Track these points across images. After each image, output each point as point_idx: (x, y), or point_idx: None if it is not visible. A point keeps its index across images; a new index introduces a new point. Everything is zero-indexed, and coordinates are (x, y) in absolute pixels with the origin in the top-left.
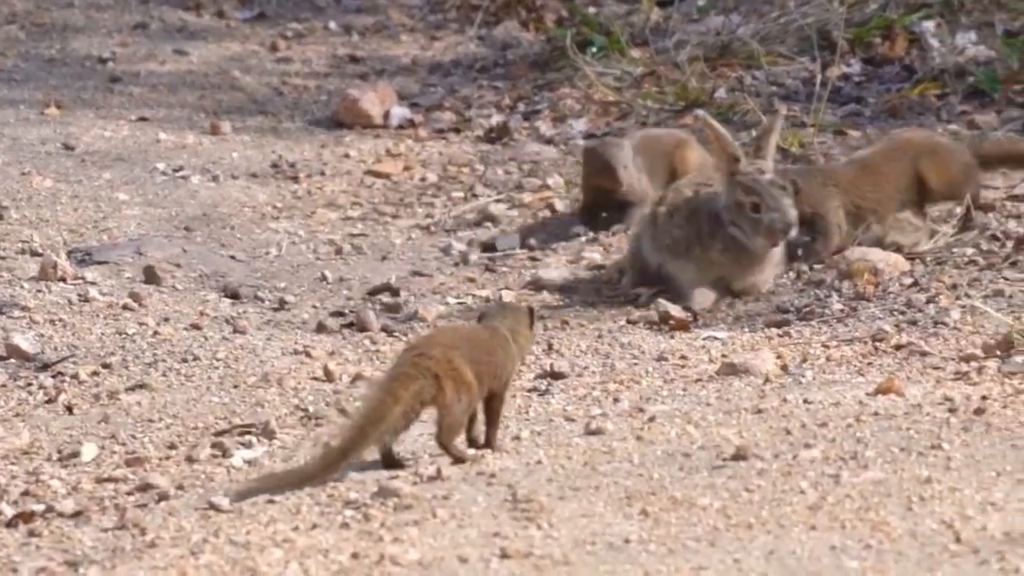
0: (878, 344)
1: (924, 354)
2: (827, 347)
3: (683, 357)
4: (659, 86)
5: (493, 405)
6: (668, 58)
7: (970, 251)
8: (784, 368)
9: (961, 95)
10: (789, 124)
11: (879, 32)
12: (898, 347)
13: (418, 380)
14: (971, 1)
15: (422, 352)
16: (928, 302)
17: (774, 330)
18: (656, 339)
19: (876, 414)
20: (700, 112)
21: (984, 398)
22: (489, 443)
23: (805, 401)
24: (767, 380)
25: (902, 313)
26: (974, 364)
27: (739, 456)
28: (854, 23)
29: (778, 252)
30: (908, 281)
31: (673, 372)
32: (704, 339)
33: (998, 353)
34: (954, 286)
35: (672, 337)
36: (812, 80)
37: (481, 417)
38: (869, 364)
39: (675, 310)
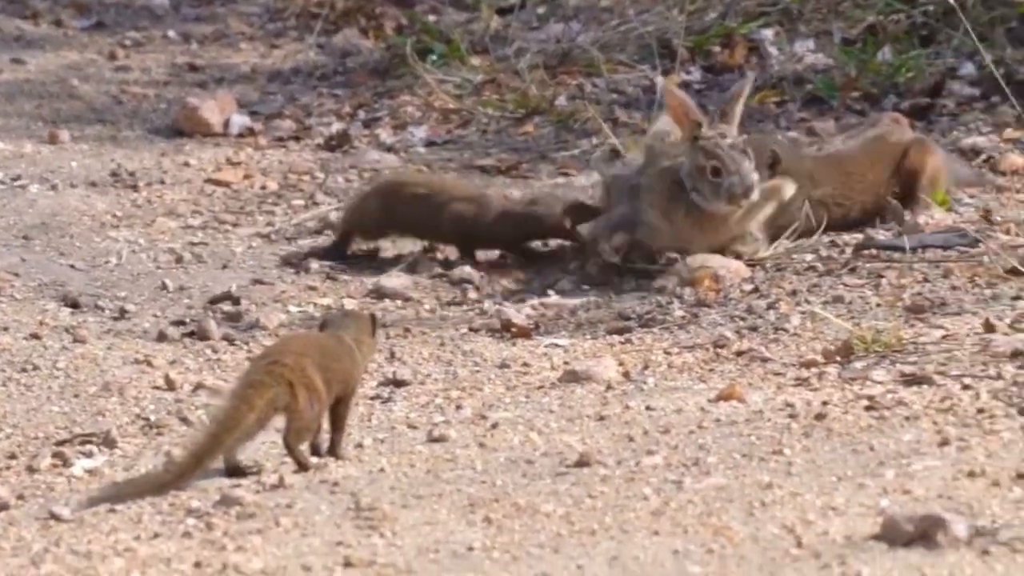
0: (719, 350)
1: (765, 360)
2: (669, 354)
3: (525, 364)
4: (499, 94)
5: (339, 412)
6: (508, 66)
7: (809, 257)
8: (626, 375)
9: (800, 102)
10: (630, 132)
11: (719, 40)
12: (739, 353)
13: (272, 388)
14: (809, 10)
15: (275, 360)
16: (768, 308)
17: (616, 337)
18: (498, 346)
19: (718, 420)
20: (662, 80)
21: (825, 404)
22: (333, 450)
23: (647, 408)
24: (609, 387)
25: (743, 319)
26: (814, 370)
27: (582, 463)
28: (694, 31)
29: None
30: (749, 287)
31: (516, 379)
32: (546, 346)
33: (838, 359)
34: (794, 292)
35: (514, 344)
36: (652, 88)
37: (325, 425)
38: (711, 370)
39: (517, 317)
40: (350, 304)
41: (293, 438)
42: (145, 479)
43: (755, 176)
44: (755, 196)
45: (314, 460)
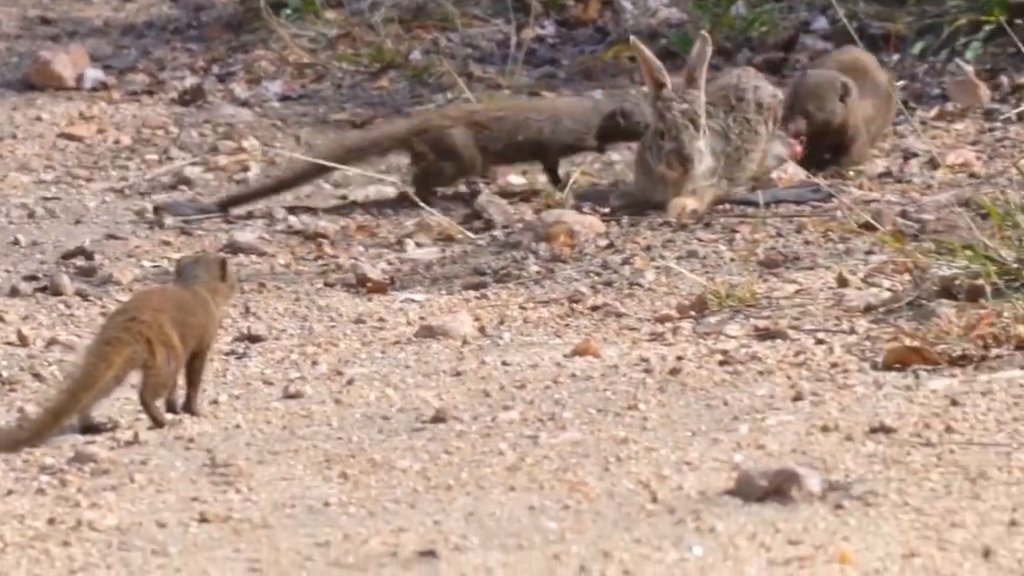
0: (575, 306)
1: (620, 315)
2: (524, 309)
3: (381, 320)
4: (354, 48)
5: (195, 366)
6: (363, 20)
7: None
8: (482, 330)
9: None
10: (484, 86)
11: None
12: (594, 308)
13: (130, 345)
14: None
15: (133, 316)
16: (623, 263)
17: (471, 292)
18: (354, 301)
19: (573, 375)
20: (634, 37)
21: (679, 358)
22: (189, 406)
23: (503, 363)
24: (465, 342)
25: (598, 275)
26: (669, 325)
27: (438, 418)
28: None
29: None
30: (604, 243)
31: (371, 335)
32: (402, 301)
33: (692, 314)
34: (648, 248)
35: (370, 300)
36: (507, 42)
37: (181, 381)
38: (566, 326)
39: (372, 272)
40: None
41: (149, 394)
42: (8, 433)
43: (695, 147)
44: (698, 166)
45: (169, 416)
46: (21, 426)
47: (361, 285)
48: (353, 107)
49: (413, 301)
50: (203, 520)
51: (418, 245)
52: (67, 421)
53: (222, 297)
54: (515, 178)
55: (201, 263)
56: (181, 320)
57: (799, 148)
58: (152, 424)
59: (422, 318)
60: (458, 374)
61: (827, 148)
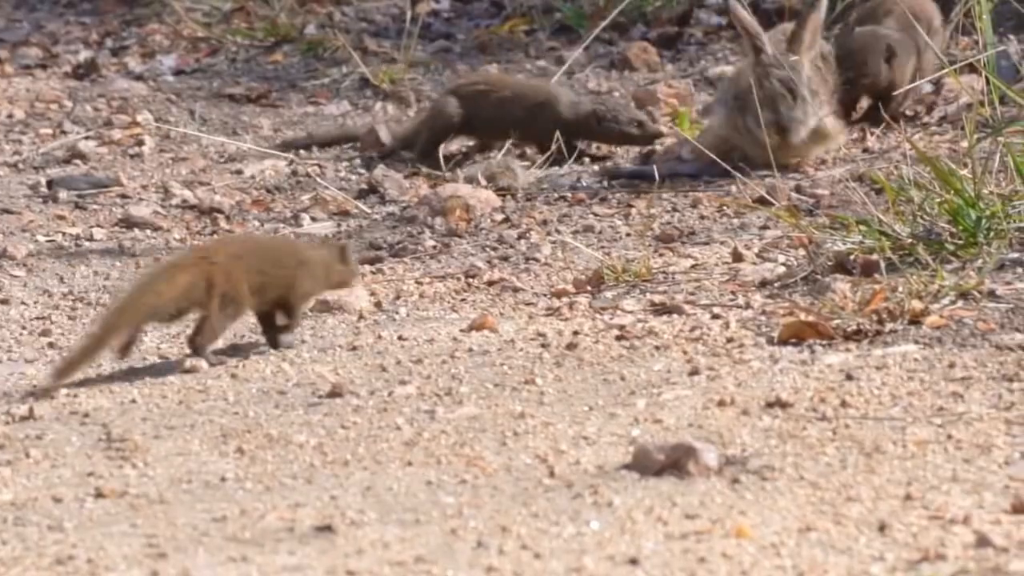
0: (471, 280)
1: (516, 290)
2: (420, 284)
3: None
4: (248, 22)
5: (289, 307)
6: None
7: (561, 186)
8: (378, 305)
9: (549, 31)
10: (380, 60)
11: None
12: (491, 283)
13: (193, 277)
14: None
15: (205, 255)
16: (519, 238)
17: (367, 267)
18: None
19: (470, 350)
20: (732, 1)
21: (576, 333)
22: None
23: (400, 338)
24: (361, 317)
25: (494, 249)
26: (565, 299)
27: (335, 393)
28: None
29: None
30: (500, 217)
31: None
32: None
33: (588, 288)
34: (545, 222)
35: None
36: (402, 16)
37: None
38: (463, 300)
39: None
40: (99, 233)
41: (203, 338)
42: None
43: (795, 115)
44: (795, 136)
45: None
46: (76, 349)
47: None
48: (248, 81)
49: None
50: (99, 495)
51: (313, 220)
52: (116, 337)
53: (333, 274)
54: (407, 153)
55: (327, 244)
56: (261, 269)
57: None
58: (205, 363)
59: None
60: (354, 349)
61: (871, 99)
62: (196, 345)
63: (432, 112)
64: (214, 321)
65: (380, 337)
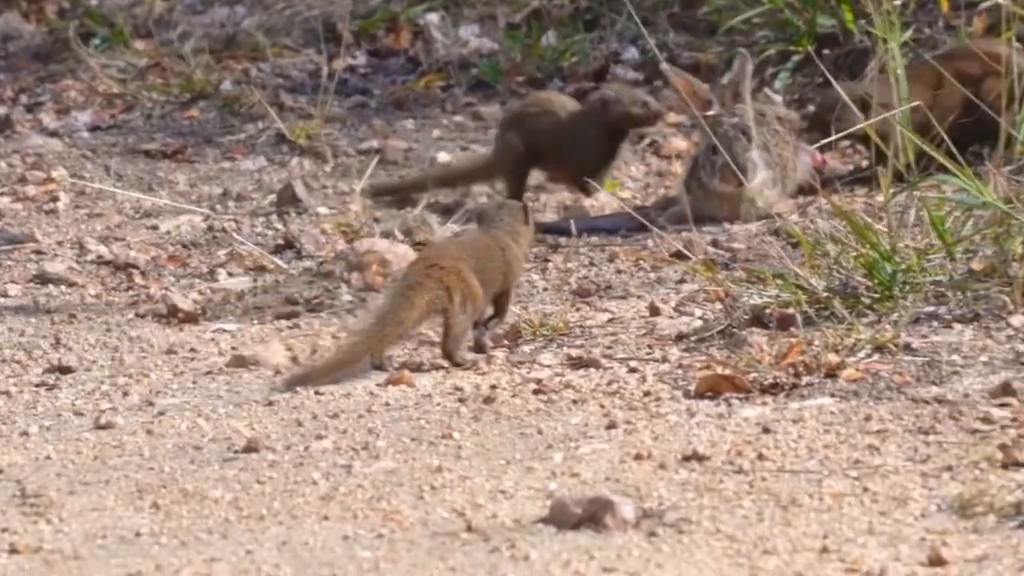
0: None
1: (434, 344)
2: (337, 338)
3: (193, 350)
4: (164, 78)
5: (501, 302)
6: (173, 50)
7: None
8: (294, 360)
9: (465, 87)
10: (296, 116)
11: (384, 24)
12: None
13: (432, 290)
14: None
15: (433, 263)
16: None
17: (283, 322)
18: (165, 332)
19: (387, 404)
20: (665, 64)
21: (493, 387)
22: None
23: (316, 392)
24: (278, 372)
25: None
26: (483, 354)
27: (250, 448)
28: (359, 15)
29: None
30: None
31: (183, 365)
32: (213, 331)
33: (506, 342)
34: None
35: (181, 330)
36: (318, 72)
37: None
38: None
39: (183, 303)
40: (14, 289)
41: (451, 344)
42: (323, 365)
43: (750, 156)
44: (752, 176)
45: (470, 356)
46: (325, 362)
47: (172, 315)
48: (164, 137)
49: (225, 331)
50: (13, 551)
51: (230, 275)
52: (362, 360)
53: (524, 239)
54: (323, 209)
55: (505, 208)
56: (480, 267)
57: (820, 157)
58: (456, 366)
59: (234, 348)
60: (270, 404)
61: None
62: (448, 350)
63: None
64: (457, 323)
65: (296, 392)
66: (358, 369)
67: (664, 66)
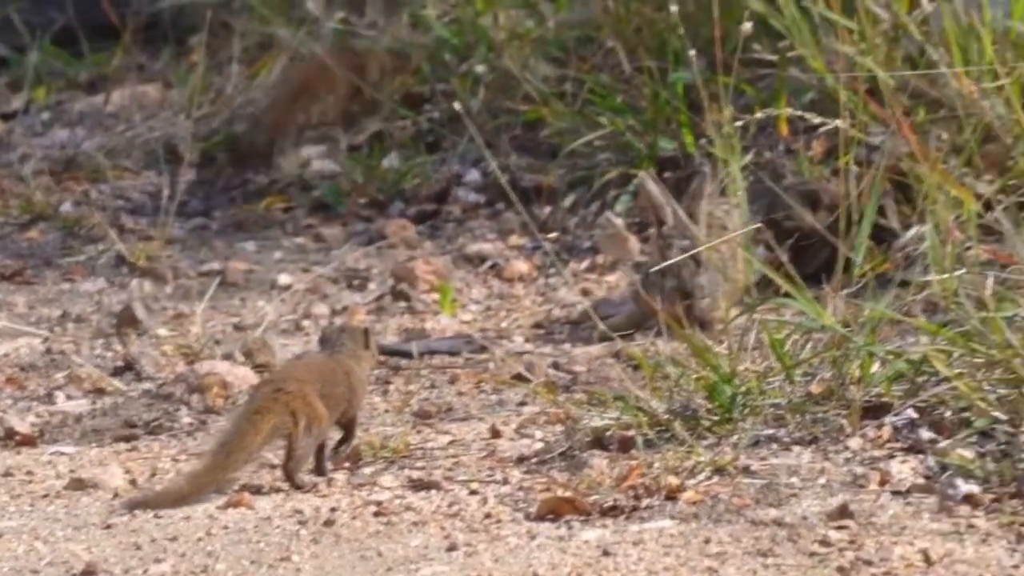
0: None
1: (274, 466)
2: (177, 461)
3: (30, 473)
4: (3, 199)
5: (348, 426)
6: (13, 171)
7: None
8: (133, 483)
9: (307, 208)
10: (137, 238)
11: (225, 146)
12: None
13: (278, 415)
14: (317, 116)
15: (280, 387)
16: None
17: (123, 444)
18: (1, 455)
19: (226, 527)
20: (642, 173)
21: (333, 510)
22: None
23: (155, 515)
24: (116, 495)
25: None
26: (323, 476)
27: (88, 572)
28: (200, 137)
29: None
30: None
31: (20, 488)
32: (51, 454)
33: (346, 465)
34: None
35: (18, 453)
36: (159, 194)
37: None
38: None
39: (21, 425)
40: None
41: (292, 465)
42: (167, 492)
43: (698, 281)
44: (699, 301)
45: (308, 479)
46: (168, 489)
47: (9, 438)
48: (2, 258)
49: (63, 454)
50: None
51: (68, 397)
52: (213, 486)
53: (366, 362)
54: (163, 330)
55: (347, 331)
56: (325, 391)
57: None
58: (297, 489)
59: (72, 471)
60: (109, 527)
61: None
62: (288, 473)
63: None
64: (300, 446)
65: (135, 515)
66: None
67: (640, 174)
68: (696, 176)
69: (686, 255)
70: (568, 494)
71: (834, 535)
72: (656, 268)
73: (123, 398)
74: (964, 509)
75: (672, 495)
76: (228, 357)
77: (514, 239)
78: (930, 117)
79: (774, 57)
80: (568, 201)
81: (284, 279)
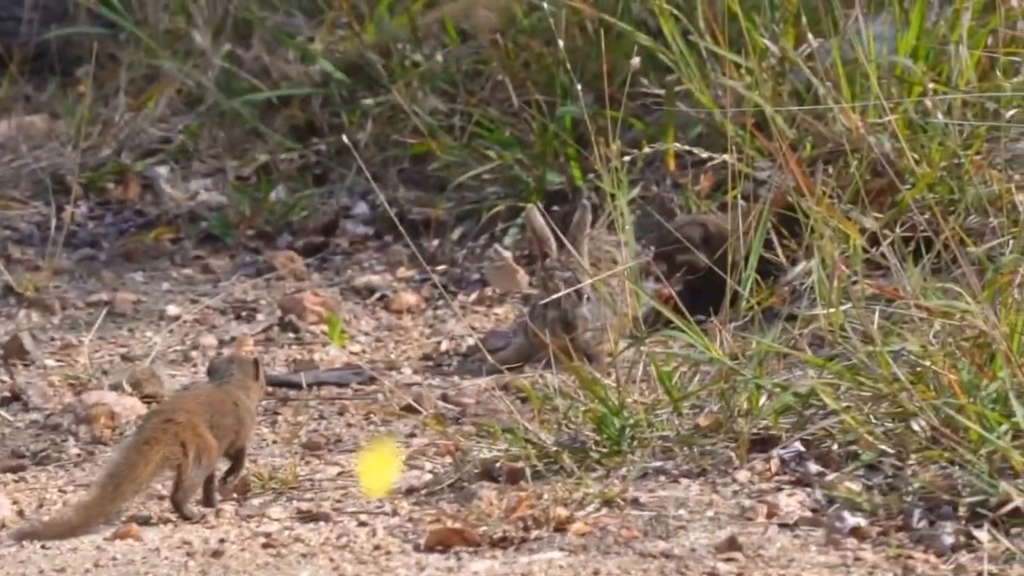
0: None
1: (162, 497)
2: (64, 492)
3: None
4: None
5: (238, 456)
6: None
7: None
8: (21, 514)
9: (195, 239)
10: (24, 268)
11: (113, 177)
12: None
13: (167, 445)
14: (204, 148)
15: (169, 418)
16: None
17: (10, 475)
18: None
19: (114, 559)
20: (530, 206)
21: (222, 541)
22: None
23: (43, 547)
24: (3, 526)
25: None
26: (212, 507)
27: None
28: (88, 167)
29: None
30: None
31: None
32: None
33: (235, 496)
34: None
35: None
36: (46, 224)
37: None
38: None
39: None
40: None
41: (180, 496)
42: (55, 523)
43: (580, 312)
44: (581, 332)
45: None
46: (56, 520)
47: None
48: None
49: None
50: None
51: None
52: (102, 517)
53: (255, 393)
54: (51, 361)
55: (235, 362)
56: (214, 422)
57: (666, 291)
58: (185, 520)
59: None
60: None
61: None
62: (177, 503)
63: None
64: (189, 477)
65: (23, 546)
66: None
67: (528, 207)
68: (578, 208)
69: (568, 290)
70: (457, 525)
71: (722, 567)
72: (541, 302)
73: (10, 429)
74: (851, 542)
75: (561, 527)
76: (116, 388)
77: (402, 271)
78: (817, 152)
79: (662, 92)
80: (456, 234)
81: (172, 310)
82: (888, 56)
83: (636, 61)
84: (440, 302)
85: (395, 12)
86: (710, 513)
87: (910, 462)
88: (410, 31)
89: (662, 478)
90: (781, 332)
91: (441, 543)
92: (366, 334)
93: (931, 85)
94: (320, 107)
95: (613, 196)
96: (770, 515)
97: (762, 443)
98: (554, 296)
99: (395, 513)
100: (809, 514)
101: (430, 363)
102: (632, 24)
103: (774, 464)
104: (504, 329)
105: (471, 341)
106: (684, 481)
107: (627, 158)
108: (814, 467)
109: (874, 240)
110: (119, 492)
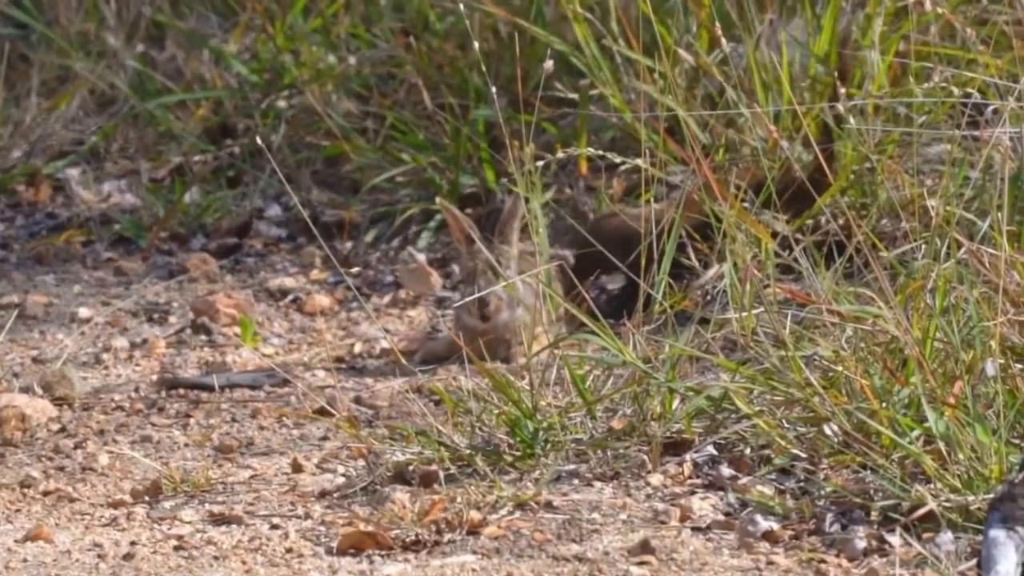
0: (26, 491)
1: (73, 500)
2: None
3: None
4: None
5: None
6: None
7: (118, 397)
8: None
9: (107, 242)
10: None
11: (24, 178)
12: (46, 493)
13: None
14: (116, 149)
15: None
16: (76, 448)
17: None
18: None
19: (25, 561)
20: (440, 199)
21: (133, 543)
22: None
23: None
24: None
25: (50, 459)
26: (123, 510)
27: None
28: None
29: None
30: (56, 427)
31: None
32: None
33: (146, 499)
34: (102, 432)
35: None
36: None
37: None
38: (17, 511)
39: None
40: None
41: None
42: None
43: (496, 292)
44: (497, 312)
45: None
46: None
47: None
48: None
49: None
50: None
51: None
52: None
53: None
54: None
55: None
56: None
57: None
58: None
59: None
60: None
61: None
62: None
63: None
64: None
65: None
66: None
67: (439, 200)
68: (509, 198)
69: (491, 289)
70: (370, 528)
71: (635, 571)
72: (459, 303)
73: None
74: (764, 545)
75: (474, 530)
76: (27, 390)
77: (316, 273)
78: (730, 157)
79: (575, 95)
80: (370, 236)
81: (84, 312)
82: (801, 61)
83: (550, 65)
84: (354, 304)
85: (309, 15)
86: (623, 516)
87: (822, 466)
88: (323, 34)
89: (575, 481)
90: (694, 336)
91: (354, 546)
92: (279, 336)
93: (843, 90)
94: (234, 109)
95: (527, 199)
96: (683, 519)
97: (675, 447)
98: (470, 298)
99: (308, 516)
100: (722, 518)
101: (343, 365)
102: (546, 28)
103: (687, 468)
104: (415, 332)
105: (384, 343)
106: (597, 484)
107: (541, 162)
108: (727, 471)
109: (787, 245)
110: None
